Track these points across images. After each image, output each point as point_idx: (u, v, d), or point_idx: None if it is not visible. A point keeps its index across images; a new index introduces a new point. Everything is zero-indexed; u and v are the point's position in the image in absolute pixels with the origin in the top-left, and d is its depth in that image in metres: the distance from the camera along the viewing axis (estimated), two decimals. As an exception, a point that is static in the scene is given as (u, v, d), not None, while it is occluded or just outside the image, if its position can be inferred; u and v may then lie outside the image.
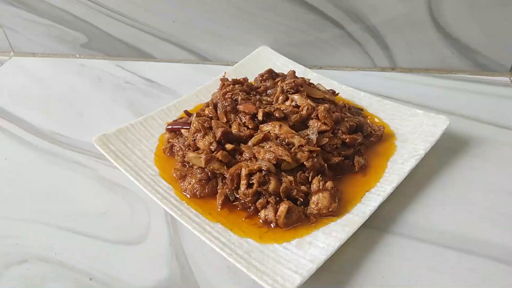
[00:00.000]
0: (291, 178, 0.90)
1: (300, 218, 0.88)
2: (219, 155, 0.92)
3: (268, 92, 1.13)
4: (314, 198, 0.89)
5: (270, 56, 1.43)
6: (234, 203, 0.92)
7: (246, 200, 0.89)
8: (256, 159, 0.92)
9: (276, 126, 0.97)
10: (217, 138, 0.95)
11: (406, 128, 1.10)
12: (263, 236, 0.86)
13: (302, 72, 1.34)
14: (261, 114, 0.98)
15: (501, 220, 0.91)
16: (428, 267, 0.82)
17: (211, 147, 0.94)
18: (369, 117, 1.17)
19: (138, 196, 1.01)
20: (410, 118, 1.12)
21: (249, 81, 1.19)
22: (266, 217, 0.88)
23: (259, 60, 1.41)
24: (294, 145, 0.94)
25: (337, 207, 0.88)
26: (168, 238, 0.91)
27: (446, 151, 1.08)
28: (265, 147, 0.93)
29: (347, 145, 1.01)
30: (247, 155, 0.93)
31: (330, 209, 0.87)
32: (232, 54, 1.50)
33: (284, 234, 0.86)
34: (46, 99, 1.41)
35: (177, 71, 1.52)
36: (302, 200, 0.90)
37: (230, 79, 1.15)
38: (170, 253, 0.88)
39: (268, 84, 1.14)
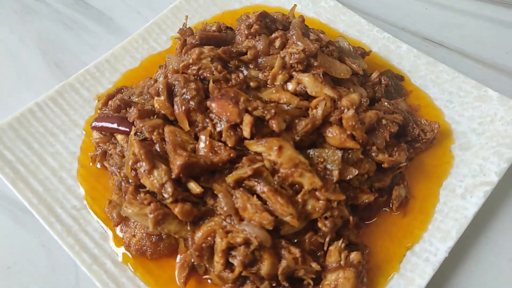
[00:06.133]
0: (296, 251, 0.55)
1: (308, 315, 0.57)
2: (177, 210, 0.55)
3: (260, 61, 0.67)
4: (329, 279, 0.56)
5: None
6: (204, 277, 0.59)
7: (224, 286, 0.56)
8: (240, 217, 0.55)
9: (274, 148, 0.57)
10: (174, 175, 0.56)
11: (469, 123, 0.70)
12: None
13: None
14: (249, 127, 0.57)
15: None
16: None
17: (163, 191, 0.56)
18: (412, 92, 0.76)
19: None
20: (476, 103, 0.72)
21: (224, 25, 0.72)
22: (256, 316, 0.56)
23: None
24: (302, 187, 0.56)
25: (365, 293, 0.57)
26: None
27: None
28: (253, 196, 0.55)
29: (383, 171, 0.63)
30: (224, 208, 0.56)
31: (354, 298, 0.56)
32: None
33: None
34: None
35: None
36: (312, 283, 0.57)
37: (195, 34, 0.68)
38: None
39: (259, 45, 0.67)
